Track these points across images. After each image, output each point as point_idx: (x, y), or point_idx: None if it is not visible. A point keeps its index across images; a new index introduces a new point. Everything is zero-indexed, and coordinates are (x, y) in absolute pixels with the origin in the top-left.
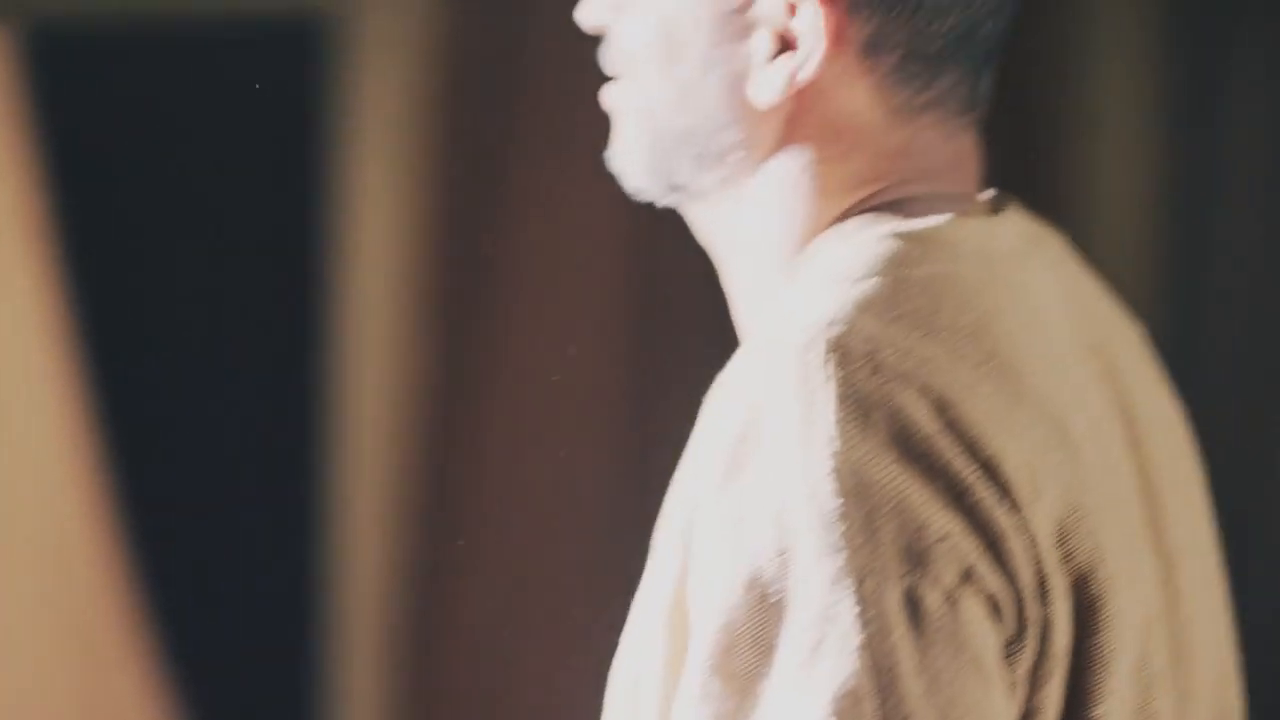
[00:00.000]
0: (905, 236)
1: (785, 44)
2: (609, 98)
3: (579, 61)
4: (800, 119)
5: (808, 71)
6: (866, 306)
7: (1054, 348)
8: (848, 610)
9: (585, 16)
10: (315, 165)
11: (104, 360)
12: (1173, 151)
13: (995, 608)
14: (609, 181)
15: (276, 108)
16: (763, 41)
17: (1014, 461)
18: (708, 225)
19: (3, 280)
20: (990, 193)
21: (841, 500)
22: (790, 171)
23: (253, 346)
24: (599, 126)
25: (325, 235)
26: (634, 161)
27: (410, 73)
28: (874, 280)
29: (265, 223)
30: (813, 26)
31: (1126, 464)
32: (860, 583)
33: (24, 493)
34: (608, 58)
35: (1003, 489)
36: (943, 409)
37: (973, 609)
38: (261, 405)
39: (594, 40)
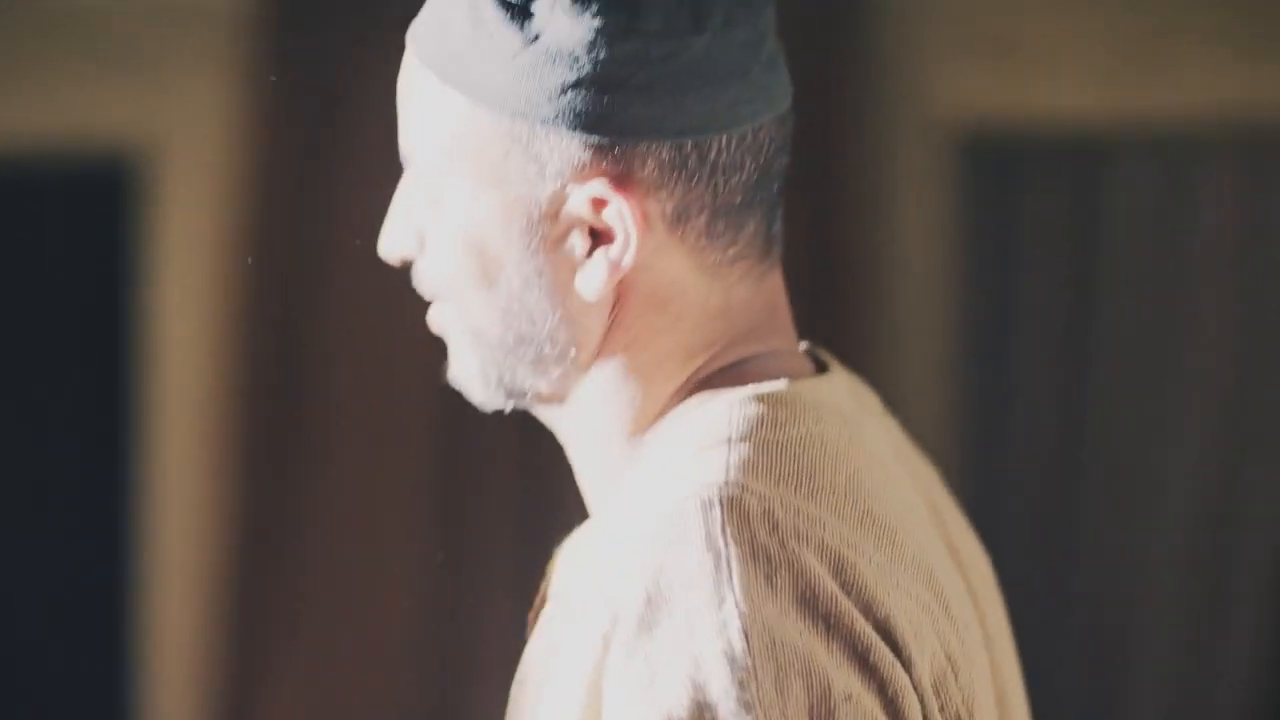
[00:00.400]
0: (765, 399)
1: (597, 235)
2: (433, 322)
3: (390, 192)
4: (625, 301)
5: (628, 259)
6: (750, 468)
7: (906, 502)
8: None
9: (387, 251)
10: (123, 303)
11: None
12: (972, 293)
13: (895, 704)
14: (418, 313)
15: (84, 246)
16: (577, 240)
17: (903, 621)
18: (554, 420)
19: None
20: (805, 345)
21: (753, 659)
22: (624, 354)
23: (57, 492)
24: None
25: (132, 373)
26: (471, 378)
27: (215, 209)
28: (749, 443)
29: (71, 363)
30: (621, 216)
31: (971, 610)
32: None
33: None
34: (422, 284)
35: (896, 648)
36: (839, 569)
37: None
38: (69, 539)
39: (399, 175)
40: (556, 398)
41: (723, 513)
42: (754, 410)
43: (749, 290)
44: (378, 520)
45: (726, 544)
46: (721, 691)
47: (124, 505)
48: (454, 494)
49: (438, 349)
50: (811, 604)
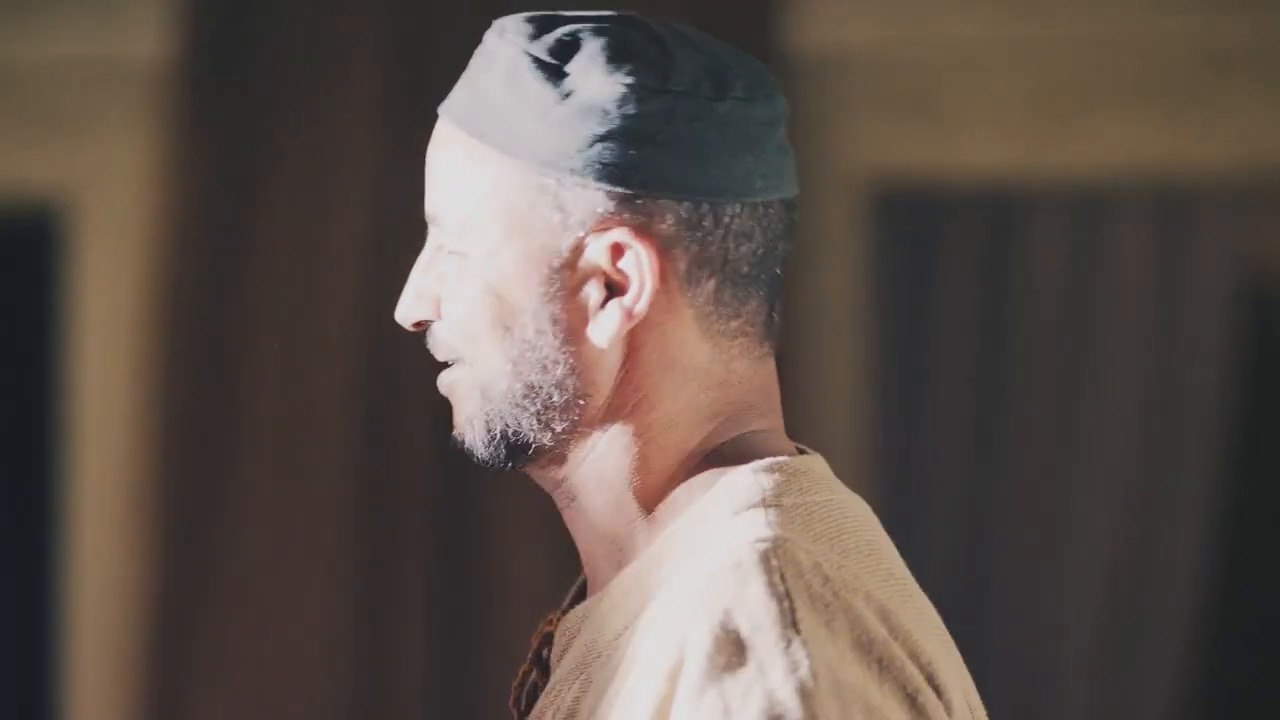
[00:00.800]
0: (784, 468)
1: (612, 286)
2: (443, 383)
3: (307, 244)
4: (635, 357)
5: (641, 307)
6: (788, 526)
7: (901, 563)
8: None
9: (405, 315)
10: (44, 356)
11: None
12: (886, 345)
13: None
14: (337, 359)
15: (6, 297)
16: (593, 289)
17: (942, 669)
18: (557, 480)
19: None
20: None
21: (821, 698)
22: (634, 413)
23: None
24: (325, 306)
25: (56, 420)
26: (476, 436)
27: (136, 261)
28: (782, 506)
29: None
30: (638, 265)
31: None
32: None
33: None
34: (439, 347)
35: (938, 691)
36: (885, 617)
37: None
38: None
39: (317, 222)
40: (560, 456)
41: (780, 563)
42: (778, 477)
43: (748, 368)
44: (299, 558)
45: (787, 591)
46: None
47: (49, 552)
48: (373, 529)
49: (355, 398)
50: (867, 648)
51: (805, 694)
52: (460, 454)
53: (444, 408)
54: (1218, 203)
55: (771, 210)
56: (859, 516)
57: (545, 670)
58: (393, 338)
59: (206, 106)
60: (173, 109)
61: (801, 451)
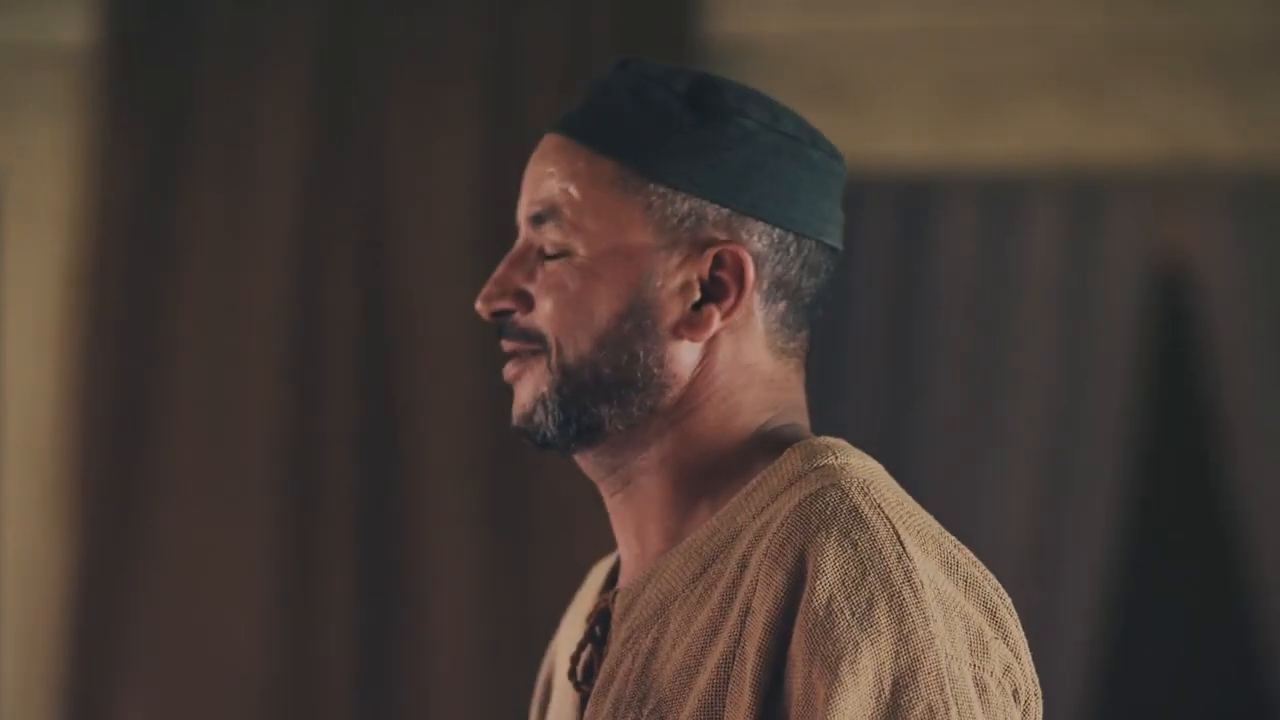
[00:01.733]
0: (835, 443)
1: (707, 291)
2: (513, 372)
3: (230, 227)
4: (713, 355)
5: (735, 317)
6: (869, 473)
7: None
8: (945, 687)
9: (490, 306)
10: None
11: None
12: None
13: (1016, 697)
14: (261, 341)
15: None
16: (691, 291)
17: (1006, 604)
18: (613, 464)
19: None
20: None
21: (930, 602)
22: (709, 402)
23: None
24: (249, 289)
25: None
26: (551, 419)
27: (57, 245)
28: (850, 464)
29: None
30: (735, 271)
31: None
32: (949, 665)
33: None
34: (518, 334)
35: (1009, 610)
36: (958, 545)
37: (1009, 694)
38: None
39: (240, 205)
40: (626, 441)
41: (875, 494)
42: (841, 447)
43: (796, 382)
44: (219, 550)
45: (887, 515)
46: (917, 625)
47: None
48: (296, 523)
49: (280, 380)
50: (952, 569)
51: (920, 597)
52: (521, 436)
53: (367, 392)
54: (1128, 191)
55: (834, 255)
56: (894, 482)
57: (600, 644)
58: (318, 318)
59: (130, 90)
60: (96, 93)
61: None
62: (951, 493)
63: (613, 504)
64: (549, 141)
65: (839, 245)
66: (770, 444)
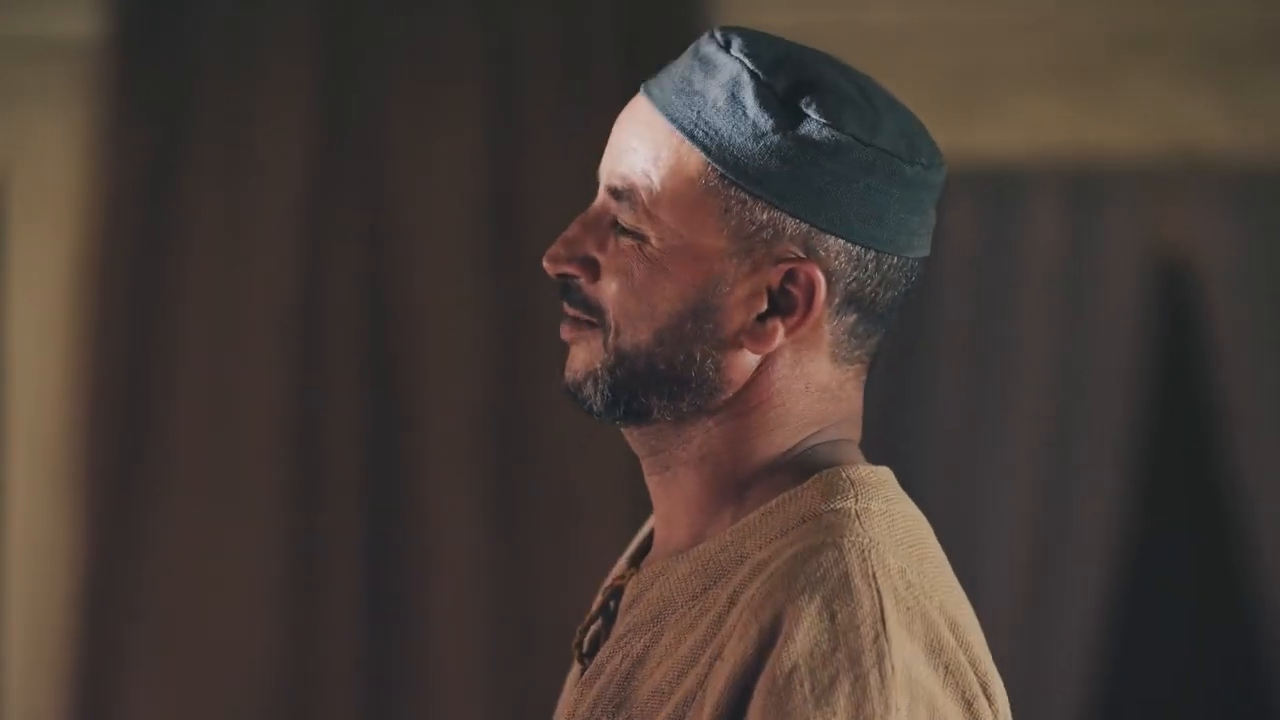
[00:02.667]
0: (873, 475)
1: (774, 302)
2: (571, 335)
3: (234, 218)
4: (771, 364)
5: (801, 330)
6: (876, 529)
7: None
8: None
9: (557, 261)
10: None
11: None
12: None
13: None
14: (264, 330)
15: None
16: (759, 300)
17: (994, 681)
18: (657, 447)
19: None
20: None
21: (897, 688)
22: (760, 406)
23: None
24: (252, 279)
25: None
26: (599, 395)
27: (62, 238)
28: (872, 511)
29: None
30: (806, 289)
31: None
32: None
33: None
34: (580, 302)
35: (989, 700)
36: (954, 628)
37: None
38: None
39: (244, 196)
40: (672, 430)
41: (874, 565)
42: (867, 482)
43: (854, 389)
44: (223, 545)
45: (878, 589)
46: (875, 712)
47: None
48: (301, 519)
49: (283, 368)
50: (937, 652)
51: (885, 685)
52: (567, 397)
53: (371, 387)
54: (1128, 184)
55: (916, 265)
56: (927, 530)
57: (610, 620)
58: (320, 313)
59: (133, 85)
60: (100, 87)
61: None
62: (953, 485)
63: (651, 483)
64: (640, 109)
65: (925, 254)
66: (803, 464)
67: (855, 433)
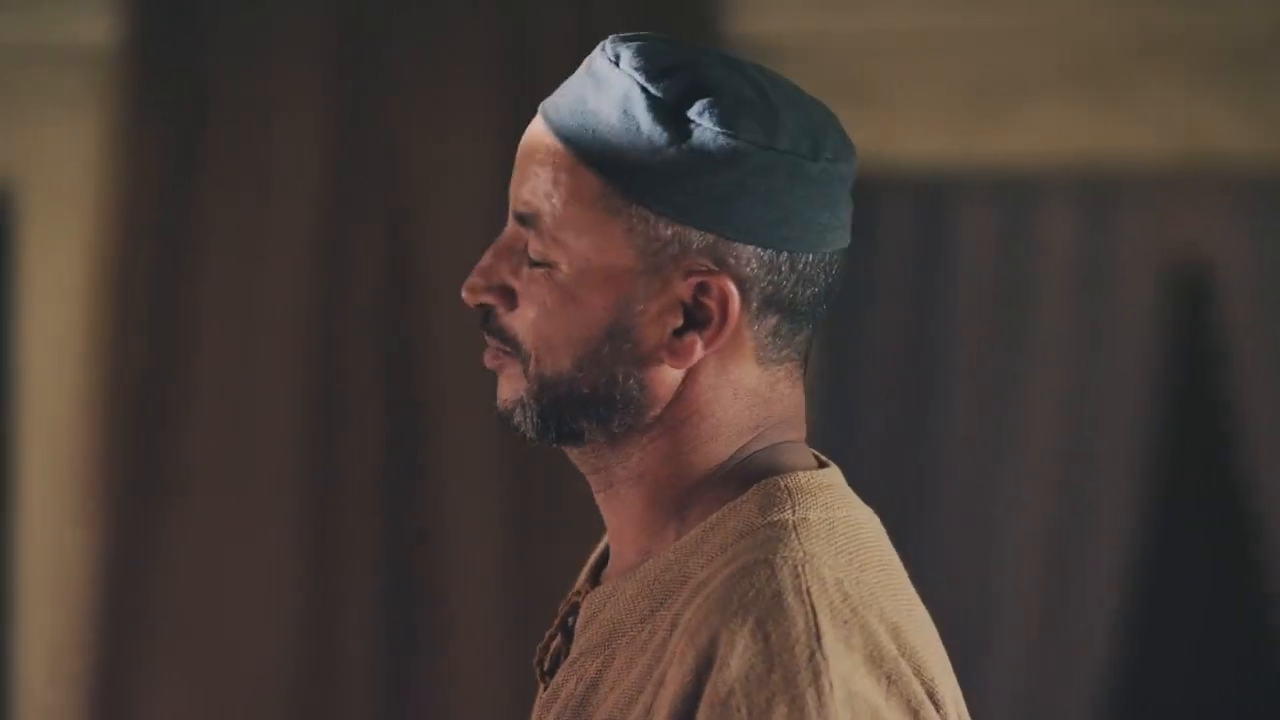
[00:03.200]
0: (812, 481)
1: (690, 316)
2: (495, 363)
3: (251, 225)
4: (695, 376)
5: (720, 341)
6: (813, 541)
7: (905, 577)
8: None
9: (474, 292)
10: None
11: None
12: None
13: None
14: (282, 337)
15: None
16: (673, 317)
17: (942, 687)
18: (597, 465)
19: None
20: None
21: (836, 706)
22: (688, 420)
23: None
24: (270, 286)
25: (1, 408)
26: (529, 421)
27: (80, 244)
28: (809, 521)
29: None
30: (720, 303)
31: None
32: None
33: None
34: (498, 331)
35: (937, 706)
36: (896, 634)
37: None
38: None
39: (261, 203)
40: (607, 450)
41: (807, 580)
42: (805, 492)
43: (787, 388)
44: (241, 546)
45: (812, 605)
46: None
47: None
48: (318, 519)
49: (300, 373)
50: (878, 662)
51: (823, 702)
52: (501, 423)
53: (389, 388)
54: (1144, 189)
55: (834, 258)
56: (873, 532)
57: (569, 637)
58: (338, 313)
59: (149, 88)
60: (116, 92)
61: (821, 463)
62: (969, 491)
63: (598, 500)
64: (537, 130)
65: (843, 245)
66: (742, 474)
67: (796, 433)
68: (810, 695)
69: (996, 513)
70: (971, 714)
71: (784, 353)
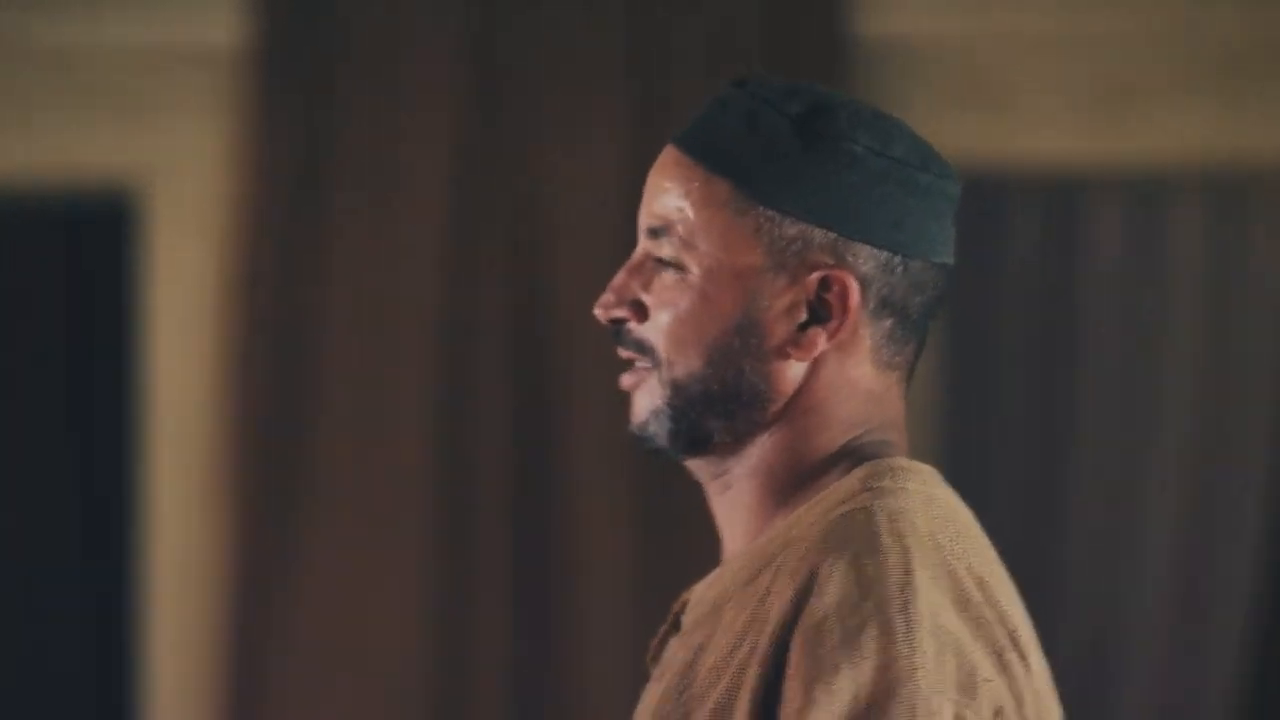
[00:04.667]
0: (911, 465)
1: (813, 312)
2: (629, 381)
3: (380, 230)
4: (818, 371)
5: (841, 337)
6: (909, 503)
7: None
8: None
9: (608, 314)
10: (121, 343)
11: None
12: (955, 323)
13: None
14: (411, 342)
15: (80, 283)
16: (798, 313)
17: (1024, 633)
18: (719, 470)
19: None
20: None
21: (923, 634)
22: (806, 415)
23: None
24: (399, 292)
25: (130, 409)
26: (662, 429)
27: (208, 244)
28: (906, 490)
29: (70, 401)
30: (843, 299)
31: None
32: (928, 698)
33: None
34: (632, 345)
35: (1021, 654)
36: (982, 586)
37: None
38: (74, 587)
39: (390, 207)
40: (731, 450)
41: (903, 525)
42: (906, 469)
43: (896, 395)
44: (373, 554)
45: (905, 545)
46: (902, 654)
47: (126, 534)
48: (450, 526)
49: (431, 381)
50: (964, 605)
51: (912, 630)
52: (635, 442)
53: (520, 393)
54: (1274, 190)
55: (942, 271)
56: (967, 517)
57: (677, 632)
58: (469, 319)
59: (278, 91)
60: (245, 94)
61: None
62: (1101, 491)
63: (714, 504)
64: (668, 155)
65: (949, 261)
66: (848, 460)
67: (899, 438)
68: (900, 620)
69: (1129, 518)
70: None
71: (896, 359)
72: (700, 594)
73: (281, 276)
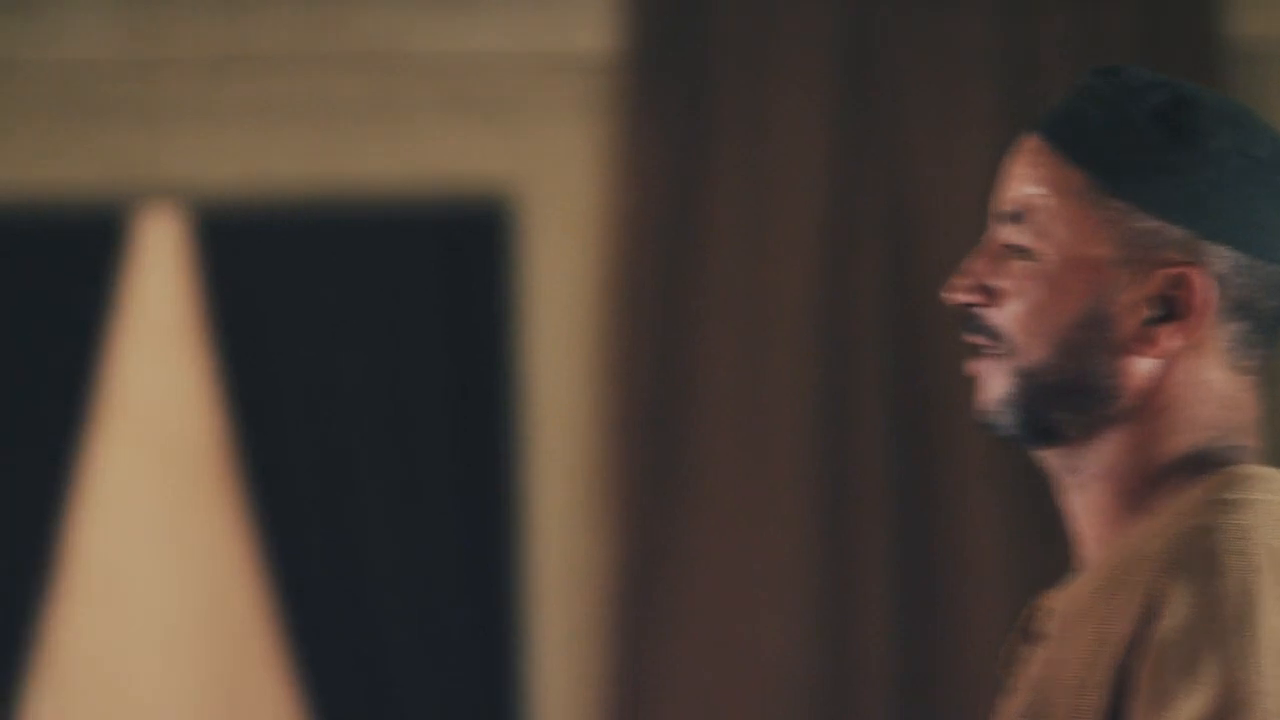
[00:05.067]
0: (1260, 472)
1: (1166, 309)
2: (978, 367)
3: (756, 234)
4: (1170, 370)
5: (1190, 334)
6: (1258, 515)
7: None
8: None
9: (957, 292)
10: (496, 347)
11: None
12: None
13: None
14: (789, 343)
15: (457, 288)
16: (1148, 309)
17: None
18: (1070, 465)
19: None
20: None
21: (1264, 656)
22: (1158, 413)
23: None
24: (776, 294)
25: (510, 407)
26: (1010, 419)
27: (585, 250)
28: (1255, 502)
29: (449, 406)
30: (1198, 298)
31: None
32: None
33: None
34: (982, 331)
35: None
36: None
37: None
38: (455, 593)
39: (765, 213)
40: (1079, 445)
41: (1245, 542)
42: (1258, 477)
43: (1249, 398)
44: (754, 551)
45: (1249, 565)
46: (1241, 680)
47: (505, 541)
48: (830, 523)
49: (808, 381)
50: None
51: (1254, 653)
52: (982, 428)
53: (898, 390)
54: None
55: None
56: None
57: (1030, 641)
58: (846, 317)
59: (653, 96)
60: (619, 98)
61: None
62: None
63: (1065, 503)
64: (1026, 142)
65: None
66: (1200, 465)
67: (1252, 441)
68: (1240, 646)
69: None
70: None
71: (1248, 363)
72: (1053, 605)
73: (658, 279)
